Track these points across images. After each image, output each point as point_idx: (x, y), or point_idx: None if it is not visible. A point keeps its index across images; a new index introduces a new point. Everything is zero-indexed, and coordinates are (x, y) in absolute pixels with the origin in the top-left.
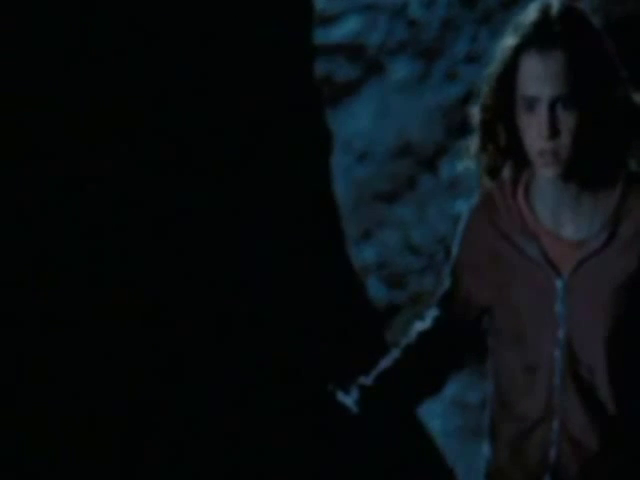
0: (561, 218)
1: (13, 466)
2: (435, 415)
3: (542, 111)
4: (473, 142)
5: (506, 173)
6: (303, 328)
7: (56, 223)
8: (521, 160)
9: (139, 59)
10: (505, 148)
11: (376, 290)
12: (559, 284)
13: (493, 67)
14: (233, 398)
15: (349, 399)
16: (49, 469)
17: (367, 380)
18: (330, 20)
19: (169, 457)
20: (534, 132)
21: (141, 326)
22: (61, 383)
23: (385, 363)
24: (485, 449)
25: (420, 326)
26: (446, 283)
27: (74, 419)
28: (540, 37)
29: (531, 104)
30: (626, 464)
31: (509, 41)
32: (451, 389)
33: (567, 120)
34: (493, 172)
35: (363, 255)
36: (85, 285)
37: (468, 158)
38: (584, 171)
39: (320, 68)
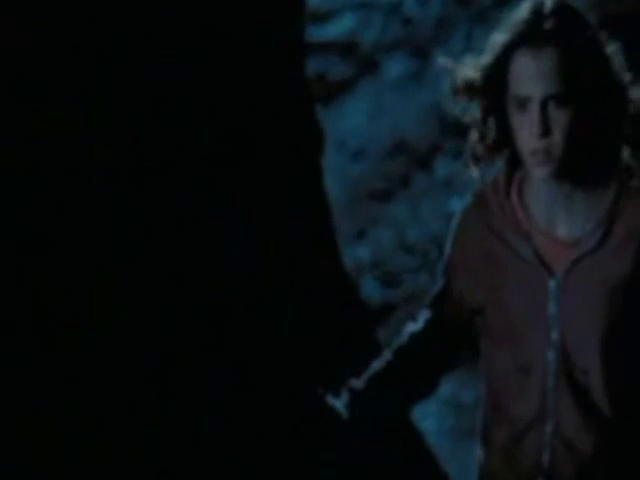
0: (555, 218)
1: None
2: (429, 415)
3: (534, 110)
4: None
5: (500, 172)
6: (296, 328)
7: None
8: (514, 159)
9: (134, 58)
10: (493, 144)
11: (370, 289)
12: (552, 284)
13: (483, 63)
14: (223, 399)
15: (339, 402)
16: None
17: (358, 383)
18: (324, 17)
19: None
20: (526, 131)
21: (136, 327)
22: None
23: (376, 365)
24: (478, 452)
25: (412, 327)
26: (439, 283)
27: (73, 420)
28: (532, 35)
29: (523, 103)
30: (621, 467)
31: (501, 38)
32: (445, 389)
33: (559, 119)
34: (480, 163)
35: (357, 254)
36: (85, 285)
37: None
38: (577, 170)
39: (314, 66)
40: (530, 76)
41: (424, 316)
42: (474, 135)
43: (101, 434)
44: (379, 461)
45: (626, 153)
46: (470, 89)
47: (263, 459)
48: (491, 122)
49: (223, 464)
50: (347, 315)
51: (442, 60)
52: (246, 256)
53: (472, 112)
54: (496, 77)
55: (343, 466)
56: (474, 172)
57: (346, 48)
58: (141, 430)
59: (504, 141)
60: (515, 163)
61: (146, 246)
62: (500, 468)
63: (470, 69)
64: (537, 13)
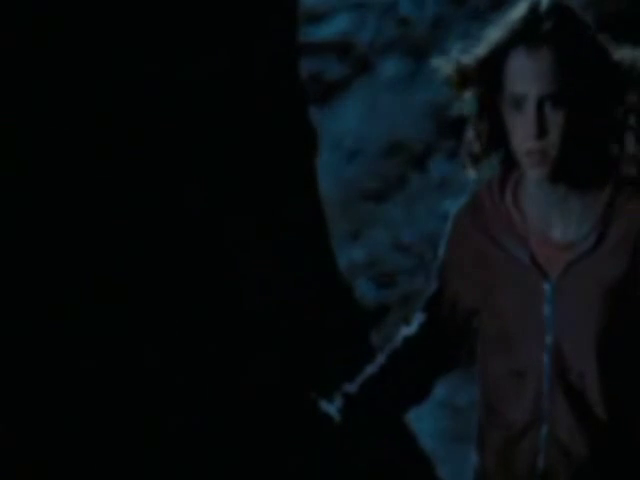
0: (549, 220)
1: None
2: (424, 417)
3: (530, 110)
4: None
5: (495, 174)
6: (290, 329)
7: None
8: (508, 160)
9: (126, 59)
10: (489, 143)
11: (366, 290)
12: (547, 287)
13: (478, 55)
14: (216, 400)
15: (332, 407)
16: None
17: (351, 387)
18: (319, 18)
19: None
20: (521, 131)
21: (132, 328)
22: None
23: (370, 369)
24: (473, 455)
25: (406, 331)
26: (433, 286)
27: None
28: (528, 34)
29: (519, 102)
30: (616, 471)
31: (497, 35)
32: (441, 391)
33: (555, 119)
34: (475, 161)
35: (352, 255)
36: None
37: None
38: (572, 172)
39: (309, 66)
40: (526, 75)
41: (418, 319)
42: (470, 133)
43: (99, 434)
44: (373, 463)
45: (632, 144)
46: (464, 77)
47: (256, 462)
48: (486, 120)
49: (216, 467)
50: (341, 316)
51: (436, 61)
52: (239, 257)
53: (468, 105)
54: (491, 74)
55: (337, 469)
56: (470, 171)
57: (341, 48)
58: (135, 435)
59: (499, 141)
60: (510, 165)
61: (140, 248)
62: (495, 471)
63: (465, 58)
64: (534, 13)
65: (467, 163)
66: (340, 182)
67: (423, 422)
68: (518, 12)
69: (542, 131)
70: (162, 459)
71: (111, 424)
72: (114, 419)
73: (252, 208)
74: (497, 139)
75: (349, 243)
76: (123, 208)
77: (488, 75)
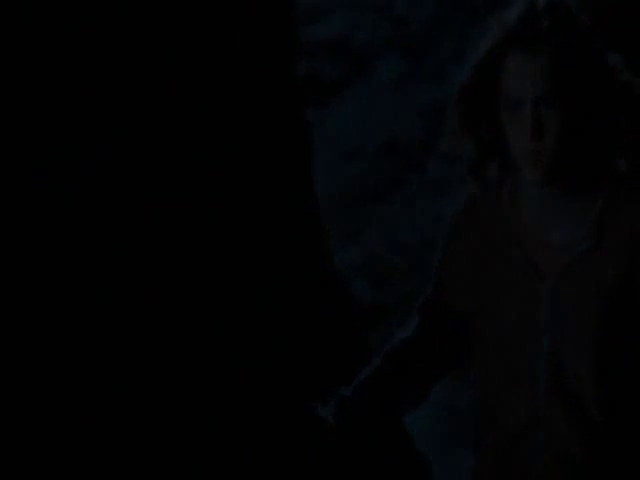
0: (546, 223)
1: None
2: (421, 419)
3: (526, 111)
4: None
5: (492, 177)
6: (287, 330)
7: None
8: (506, 163)
9: (124, 58)
10: (487, 146)
11: (363, 290)
12: (544, 290)
13: (476, 62)
14: (214, 401)
15: (328, 410)
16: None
17: (347, 390)
18: (316, 18)
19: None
20: (518, 132)
21: (129, 331)
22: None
23: (366, 372)
24: (470, 460)
25: (402, 333)
26: (429, 289)
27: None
28: (525, 35)
29: (515, 103)
30: (613, 473)
31: (493, 38)
32: (438, 393)
33: (552, 120)
34: (475, 171)
35: (349, 255)
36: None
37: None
38: (569, 175)
39: (306, 66)
40: (522, 77)
41: (414, 322)
42: (469, 145)
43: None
44: (369, 465)
45: (622, 158)
46: (465, 92)
47: (252, 464)
48: (484, 129)
49: (214, 467)
50: (339, 317)
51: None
52: (236, 257)
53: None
54: (488, 76)
55: (334, 471)
56: (472, 183)
57: (338, 49)
58: (133, 438)
59: (497, 144)
60: (507, 168)
61: (138, 248)
62: (492, 475)
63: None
64: (530, 12)
65: (468, 176)
66: (337, 182)
67: (420, 424)
68: (515, 12)
69: (538, 132)
70: (161, 460)
71: (110, 424)
72: (113, 419)
73: (249, 208)
74: (496, 147)
75: (346, 243)
76: (120, 209)
77: (486, 77)
